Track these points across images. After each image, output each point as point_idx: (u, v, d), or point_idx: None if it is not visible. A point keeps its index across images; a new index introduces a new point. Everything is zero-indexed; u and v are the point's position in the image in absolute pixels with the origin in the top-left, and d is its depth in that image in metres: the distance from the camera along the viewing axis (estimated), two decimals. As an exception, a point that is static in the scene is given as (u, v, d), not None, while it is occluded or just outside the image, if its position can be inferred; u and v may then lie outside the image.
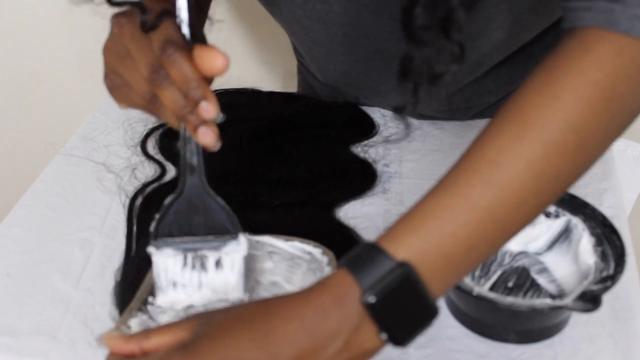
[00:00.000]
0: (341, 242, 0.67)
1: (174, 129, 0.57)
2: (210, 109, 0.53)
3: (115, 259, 0.72)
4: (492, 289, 0.66)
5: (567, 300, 0.60)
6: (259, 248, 0.69)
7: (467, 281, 0.63)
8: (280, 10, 0.82)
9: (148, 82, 0.55)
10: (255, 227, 0.70)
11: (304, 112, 0.94)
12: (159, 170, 0.84)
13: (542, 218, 0.70)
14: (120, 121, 0.93)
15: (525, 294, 0.66)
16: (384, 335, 0.48)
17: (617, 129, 0.51)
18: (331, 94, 0.95)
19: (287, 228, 0.71)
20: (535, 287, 0.67)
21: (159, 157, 0.87)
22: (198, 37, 0.58)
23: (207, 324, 0.49)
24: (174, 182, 0.72)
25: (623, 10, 0.49)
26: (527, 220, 0.51)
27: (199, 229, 0.60)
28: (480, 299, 0.61)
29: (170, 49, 0.53)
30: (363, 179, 0.83)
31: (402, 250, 0.48)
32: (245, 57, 1.34)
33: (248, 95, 0.97)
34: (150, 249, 0.60)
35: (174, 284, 0.61)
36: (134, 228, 0.76)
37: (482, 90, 0.89)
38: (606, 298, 0.60)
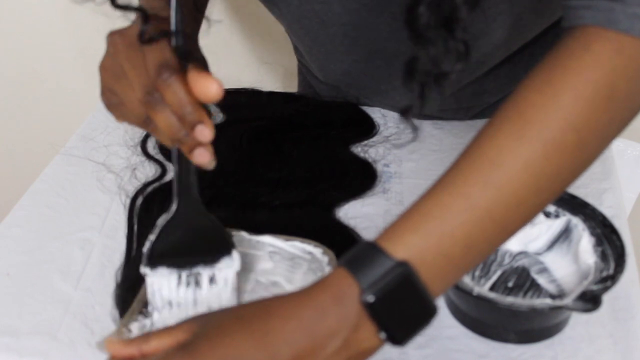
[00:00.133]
0: (341, 242, 0.68)
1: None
2: (206, 132, 0.53)
3: (116, 259, 0.72)
4: (492, 289, 0.66)
5: (567, 300, 0.60)
6: (260, 248, 0.69)
7: (467, 281, 0.62)
8: (280, 10, 0.82)
9: (142, 103, 0.55)
10: (255, 227, 0.70)
11: (304, 112, 0.94)
12: (159, 170, 0.84)
13: (542, 218, 0.70)
14: (120, 121, 0.93)
15: (525, 294, 0.66)
16: (382, 335, 0.48)
17: (616, 128, 0.51)
18: (331, 94, 0.95)
19: (287, 228, 0.71)
20: (535, 287, 0.66)
21: (159, 157, 0.87)
22: (194, 52, 0.57)
23: (206, 325, 0.49)
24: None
25: (623, 9, 0.49)
26: (526, 219, 0.51)
27: (192, 247, 0.60)
28: (480, 299, 0.61)
29: (166, 73, 0.53)
30: (363, 179, 0.83)
31: (401, 250, 0.48)
32: (245, 57, 1.33)
33: (248, 95, 0.97)
34: (145, 270, 0.60)
35: (170, 303, 0.61)
36: (135, 228, 0.76)
37: (483, 90, 0.88)
38: (606, 298, 0.60)
